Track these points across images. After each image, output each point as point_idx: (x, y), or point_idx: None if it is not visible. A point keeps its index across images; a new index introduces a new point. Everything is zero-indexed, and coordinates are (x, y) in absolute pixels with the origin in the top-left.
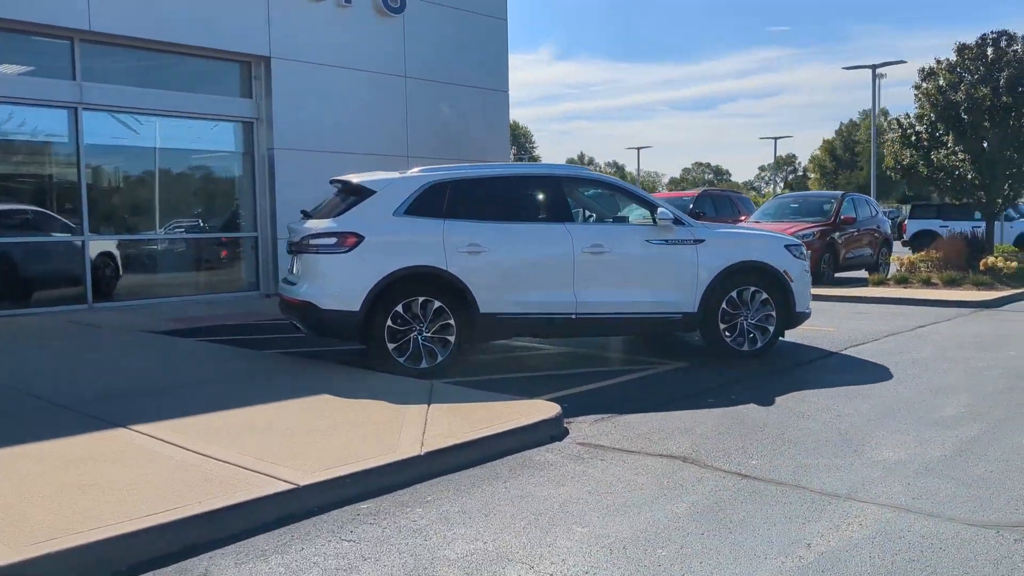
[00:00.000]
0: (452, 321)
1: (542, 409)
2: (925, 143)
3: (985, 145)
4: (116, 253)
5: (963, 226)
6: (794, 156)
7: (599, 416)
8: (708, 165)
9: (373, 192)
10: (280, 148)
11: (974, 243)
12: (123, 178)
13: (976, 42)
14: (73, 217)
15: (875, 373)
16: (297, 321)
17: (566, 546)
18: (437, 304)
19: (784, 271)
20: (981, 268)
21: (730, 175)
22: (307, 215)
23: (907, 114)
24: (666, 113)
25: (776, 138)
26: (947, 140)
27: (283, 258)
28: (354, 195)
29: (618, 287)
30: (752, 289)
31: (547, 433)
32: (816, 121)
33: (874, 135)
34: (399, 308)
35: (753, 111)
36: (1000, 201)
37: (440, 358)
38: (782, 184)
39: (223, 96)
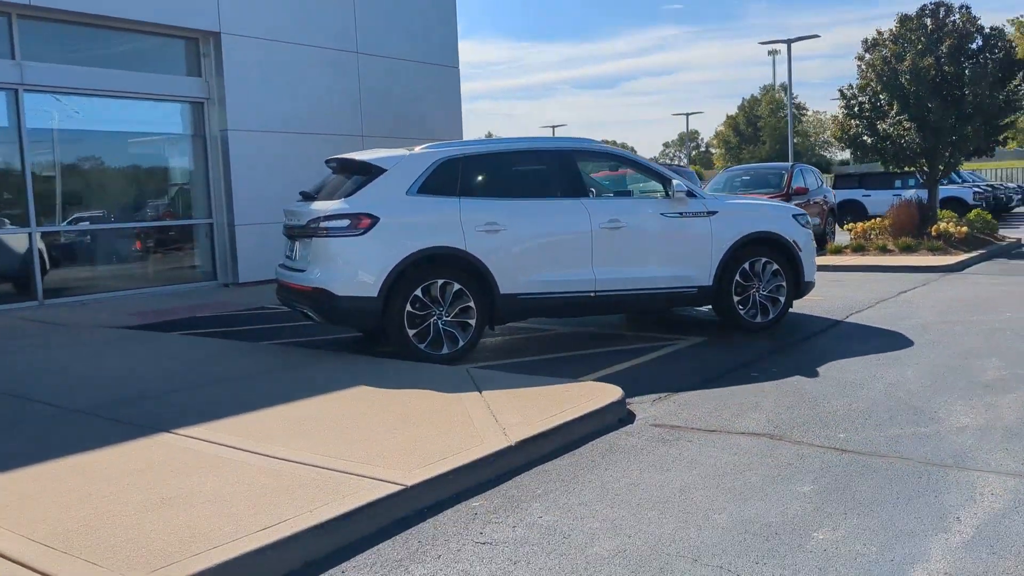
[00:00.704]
0: (472, 304)
1: (605, 391)
2: (868, 114)
3: (929, 114)
4: (65, 245)
5: (884, 195)
6: (697, 132)
7: (656, 396)
8: (614, 142)
9: (383, 170)
10: (234, 129)
11: (920, 210)
12: (68, 164)
13: (916, 13)
14: (17, 207)
15: (895, 340)
16: (308, 309)
17: (715, 535)
18: (457, 287)
19: (793, 241)
20: (933, 234)
21: (636, 152)
22: (308, 196)
23: (850, 85)
24: (568, 91)
25: (688, 114)
26: (891, 110)
27: (243, 245)
28: (361, 174)
29: (635, 263)
30: (763, 260)
31: (615, 416)
32: (713, 98)
33: (790, 108)
34: (418, 292)
35: (653, 88)
36: (942, 168)
37: (461, 342)
38: (686, 160)
39: (171, 75)
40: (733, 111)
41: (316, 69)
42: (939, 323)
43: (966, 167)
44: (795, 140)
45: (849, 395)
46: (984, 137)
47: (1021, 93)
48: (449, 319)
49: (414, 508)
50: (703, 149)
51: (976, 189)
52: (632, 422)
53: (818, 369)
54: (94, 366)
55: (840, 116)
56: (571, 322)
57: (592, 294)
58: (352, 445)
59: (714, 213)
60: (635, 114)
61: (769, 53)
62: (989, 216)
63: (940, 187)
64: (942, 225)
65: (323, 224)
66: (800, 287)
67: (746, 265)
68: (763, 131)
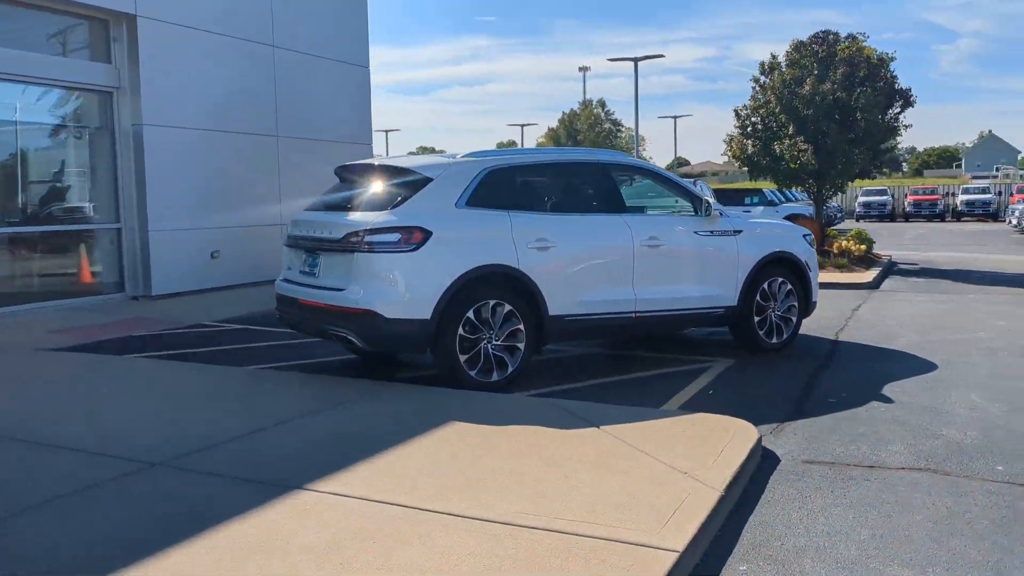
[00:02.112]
0: (522, 326)
1: (736, 426)
2: (760, 135)
3: (826, 138)
4: None
5: (735, 210)
6: (514, 142)
7: (768, 428)
8: (432, 150)
9: (429, 179)
10: (150, 124)
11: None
12: None
13: (808, 39)
14: None
15: (914, 361)
16: (348, 332)
17: None
18: (507, 308)
19: (805, 261)
20: (836, 251)
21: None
22: (332, 206)
23: (744, 105)
24: (383, 97)
25: (523, 125)
26: (788, 131)
27: (158, 253)
28: (402, 183)
29: (672, 282)
30: (779, 280)
31: (759, 452)
32: (526, 110)
33: (636, 122)
34: (470, 314)
35: (466, 98)
36: (830, 188)
37: (510, 368)
38: None
39: (74, 59)
40: (553, 124)
41: (234, 61)
42: (929, 342)
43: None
44: None
45: (949, 422)
46: (869, 160)
47: (900, 120)
48: (499, 343)
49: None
50: None
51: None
52: (776, 458)
53: (886, 394)
54: (102, 405)
55: (736, 136)
56: (578, 344)
57: (633, 315)
58: (543, 500)
59: (739, 232)
60: (450, 122)
61: (580, 69)
62: (866, 234)
63: (782, 206)
64: (844, 243)
65: (368, 238)
66: (808, 307)
67: (765, 285)
68: (583, 145)
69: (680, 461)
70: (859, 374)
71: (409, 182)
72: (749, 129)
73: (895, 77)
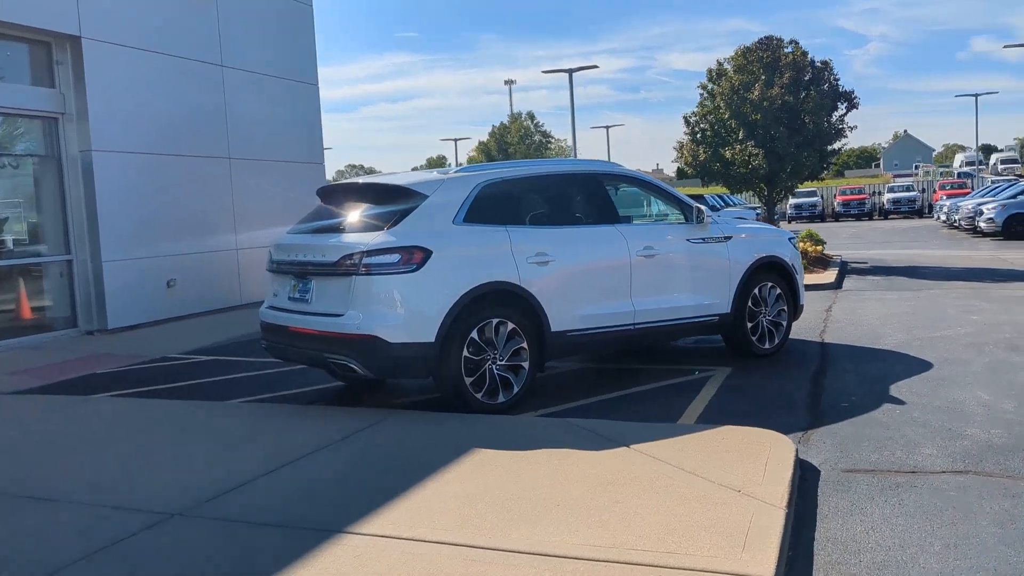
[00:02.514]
0: (525, 344)
1: (770, 438)
2: (711, 139)
3: (776, 142)
4: None
5: None
6: (445, 157)
7: (794, 437)
8: (361, 167)
9: (424, 196)
10: (100, 150)
11: None
12: None
13: (754, 45)
14: None
15: (908, 360)
16: (350, 360)
17: None
18: (511, 326)
19: (793, 265)
20: None
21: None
22: (323, 229)
23: (693, 112)
24: None
25: (456, 139)
26: (739, 136)
27: (112, 284)
28: (395, 200)
29: (667, 291)
30: (769, 285)
31: (798, 463)
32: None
33: (573, 133)
34: (474, 334)
35: (393, 114)
36: (780, 191)
37: (516, 389)
38: None
39: (14, 84)
40: (484, 137)
41: (183, 82)
42: (915, 340)
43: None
44: None
45: (969, 421)
46: (818, 162)
47: (846, 122)
48: (503, 363)
49: None
50: None
51: (754, 211)
52: (815, 469)
53: (895, 395)
54: (89, 451)
55: (686, 143)
56: (569, 360)
57: (632, 327)
58: (604, 529)
59: (729, 238)
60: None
61: (506, 82)
62: (817, 235)
63: (723, 211)
64: (802, 244)
65: (367, 260)
66: (797, 311)
67: (756, 290)
68: (514, 158)
69: (728, 478)
70: (860, 376)
71: (403, 200)
72: (699, 136)
73: (838, 80)
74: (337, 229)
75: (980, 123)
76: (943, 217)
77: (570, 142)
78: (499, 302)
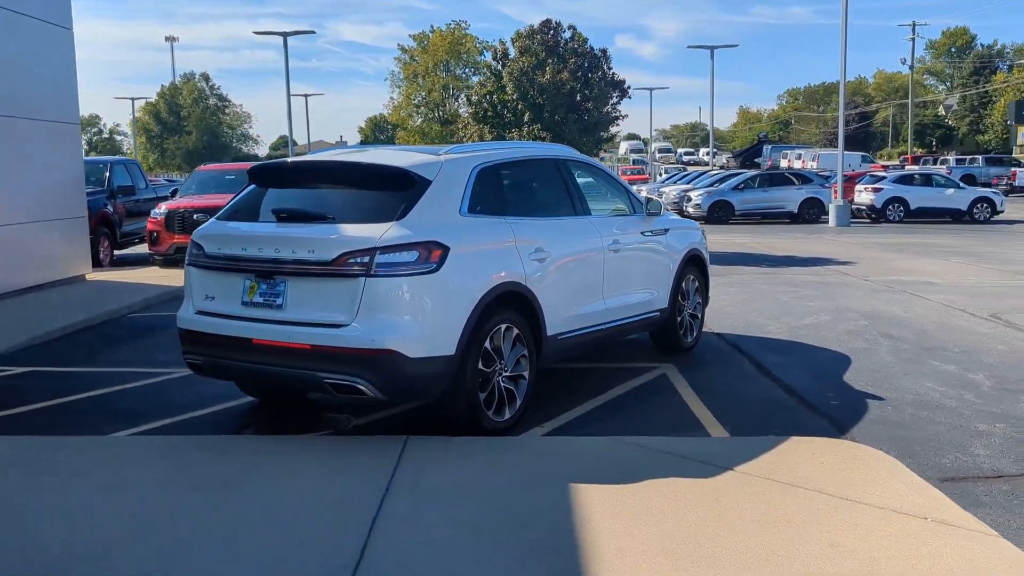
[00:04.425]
0: (526, 351)
1: (856, 448)
2: (493, 122)
3: (563, 126)
4: None
5: None
6: (99, 116)
7: (849, 443)
8: None
9: (427, 181)
10: None
11: None
12: None
13: (538, 27)
14: None
15: (824, 352)
16: (358, 380)
17: None
18: (516, 331)
19: (706, 256)
20: None
21: None
22: (296, 217)
23: (474, 90)
24: None
25: (133, 99)
26: (524, 118)
27: None
28: (387, 185)
29: (627, 288)
30: (691, 278)
31: None
32: (109, 80)
33: (288, 98)
34: (487, 343)
35: None
36: None
37: (519, 402)
38: (87, 146)
39: None
40: (151, 97)
41: None
42: (795, 329)
43: None
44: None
45: (973, 416)
46: (593, 146)
47: (619, 110)
48: (507, 374)
49: None
50: (106, 136)
51: None
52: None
53: (862, 390)
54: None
55: (469, 121)
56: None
57: (603, 327)
58: None
59: (667, 231)
60: None
61: (166, 39)
62: None
63: None
64: None
65: (381, 258)
66: (706, 303)
67: (683, 284)
68: (188, 121)
69: (885, 499)
70: (803, 370)
71: (401, 185)
72: (480, 115)
73: (611, 69)
74: (318, 219)
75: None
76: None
77: (248, 107)
78: (508, 304)
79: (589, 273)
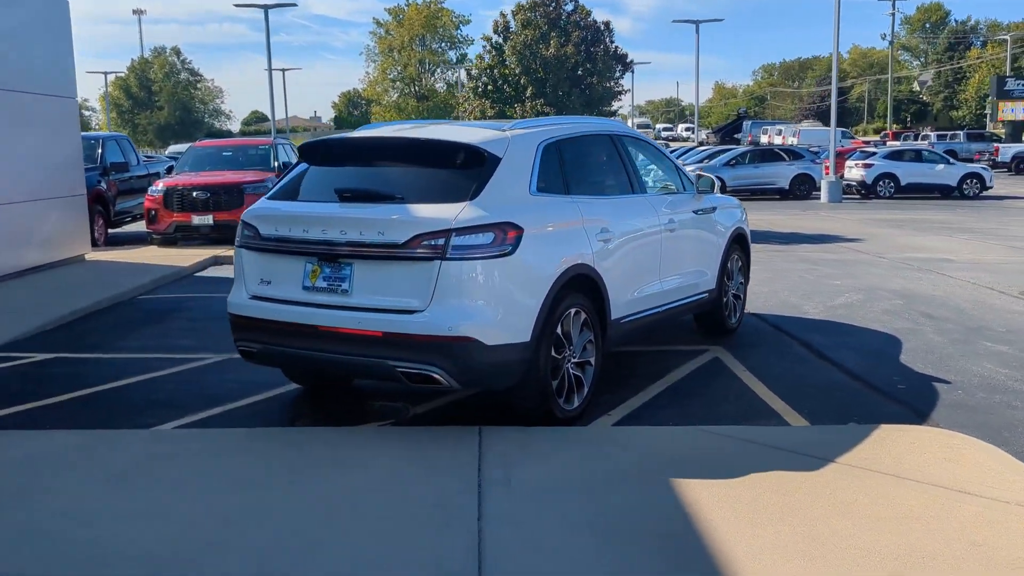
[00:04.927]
0: (592, 336)
1: (951, 436)
2: (493, 96)
3: (567, 101)
4: None
5: None
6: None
7: (932, 430)
8: None
9: (497, 158)
10: None
11: None
12: None
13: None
14: None
15: (872, 333)
16: (434, 369)
17: None
18: (584, 316)
19: (749, 236)
20: None
21: None
22: (359, 197)
23: (474, 64)
24: None
25: (107, 73)
26: (527, 93)
27: None
28: (455, 162)
29: (681, 269)
30: (735, 257)
31: None
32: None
33: (270, 71)
34: (558, 329)
35: None
36: None
37: (586, 390)
38: None
39: None
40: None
41: None
42: (831, 309)
43: None
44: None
45: None
46: None
47: (622, 84)
48: (575, 361)
49: None
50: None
51: None
52: None
53: (924, 372)
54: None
55: (470, 97)
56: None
57: (660, 309)
58: None
59: (715, 209)
60: None
61: (134, 12)
62: None
63: None
64: None
65: (457, 240)
66: (747, 283)
67: (729, 264)
68: (159, 96)
69: (1014, 493)
70: (856, 352)
71: (471, 162)
72: (480, 90)
73: (613, 42)
74: (386, 198)
75: None
76: None
77: (218, 82)
78: (577, 288)
79: (649, 254)
